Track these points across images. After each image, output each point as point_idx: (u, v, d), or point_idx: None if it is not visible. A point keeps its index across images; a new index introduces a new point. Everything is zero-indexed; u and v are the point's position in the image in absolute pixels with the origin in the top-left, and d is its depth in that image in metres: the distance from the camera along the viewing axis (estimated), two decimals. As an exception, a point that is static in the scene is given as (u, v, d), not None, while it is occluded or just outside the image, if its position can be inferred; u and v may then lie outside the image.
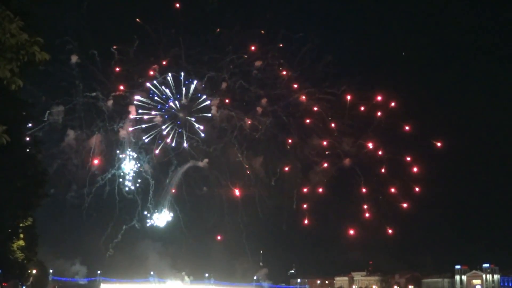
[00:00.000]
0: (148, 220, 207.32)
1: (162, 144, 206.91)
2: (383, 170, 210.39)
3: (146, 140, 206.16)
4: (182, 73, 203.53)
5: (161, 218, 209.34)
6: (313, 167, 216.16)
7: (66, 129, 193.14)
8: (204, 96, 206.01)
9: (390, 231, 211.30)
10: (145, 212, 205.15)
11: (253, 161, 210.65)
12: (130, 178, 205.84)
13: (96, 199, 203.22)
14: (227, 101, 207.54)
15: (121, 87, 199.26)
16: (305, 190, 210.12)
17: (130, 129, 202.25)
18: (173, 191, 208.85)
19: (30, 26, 13.35)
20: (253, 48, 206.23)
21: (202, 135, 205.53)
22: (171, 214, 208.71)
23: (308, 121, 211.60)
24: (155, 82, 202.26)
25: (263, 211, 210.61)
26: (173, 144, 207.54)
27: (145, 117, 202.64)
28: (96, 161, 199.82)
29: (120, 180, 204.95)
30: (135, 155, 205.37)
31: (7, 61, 12.12)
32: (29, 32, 12.49)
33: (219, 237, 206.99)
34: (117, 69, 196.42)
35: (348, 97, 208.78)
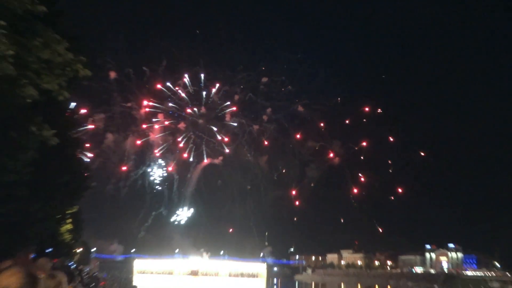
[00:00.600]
0: (172, 218, 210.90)
1: (186, 146, 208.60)
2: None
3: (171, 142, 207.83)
4: (202, 86, 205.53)
5: (182, 214, 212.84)
6: (308, 164, 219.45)
7: (106, 133, 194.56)
8: (228, 103, 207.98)
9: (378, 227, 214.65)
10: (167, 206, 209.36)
11: (259, 159, 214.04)
12: (159, 175, 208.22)
13: (130, 191, 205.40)
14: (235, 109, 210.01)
15: (151, 99, 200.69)
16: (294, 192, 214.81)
17: (158, 136, 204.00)
18: (194, 183, 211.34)
19: (75, 47, 13.24)
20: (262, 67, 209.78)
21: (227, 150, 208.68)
22: (191, 210, 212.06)
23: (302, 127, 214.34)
24: (179, 93, 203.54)
25: (267, 200, 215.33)
26: (192, 145, 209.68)
27: (167, 122, 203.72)
28: (130, 160, 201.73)
29: (151, 176, 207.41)
30: (162, 162, 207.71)
31: (55, 76, 12.03)
32: (74, 52, 12.40)
33: (230, 230, 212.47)
34: (147, 85, 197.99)
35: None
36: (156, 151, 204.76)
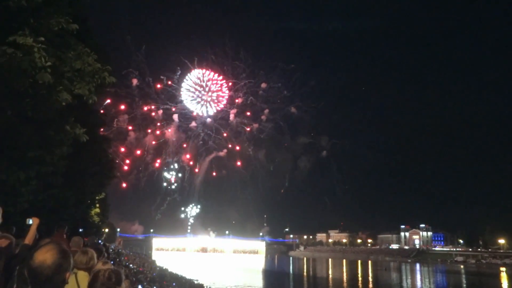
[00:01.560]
0: (182, 215, 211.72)
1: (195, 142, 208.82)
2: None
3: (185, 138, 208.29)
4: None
5: (191, 211, 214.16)
6: (300, 156, 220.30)
7: (128, 132, 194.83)
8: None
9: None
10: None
11: (258, 153, 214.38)
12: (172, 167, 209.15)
13: (149, 180, 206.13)
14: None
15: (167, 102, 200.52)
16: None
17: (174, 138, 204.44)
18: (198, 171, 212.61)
19: (102, 58, 13.28)
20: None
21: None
22: (199, 207, 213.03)
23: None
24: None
25: (264, 187, 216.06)
26: (201, 142, 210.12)
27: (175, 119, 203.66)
28: (150, 155, 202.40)
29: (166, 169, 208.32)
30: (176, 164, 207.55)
31: (86, 83, 12.04)
32: (101, 62, 12.42)
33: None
34: (159, 87, 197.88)
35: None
36: (170, 146, 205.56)
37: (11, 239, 6.75)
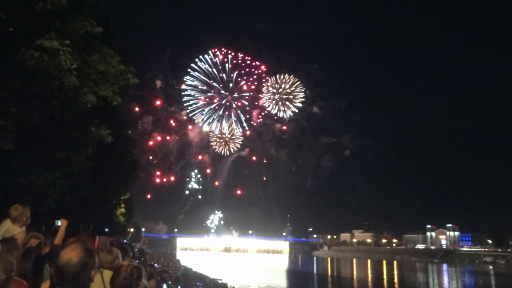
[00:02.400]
0: (205, 222, 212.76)
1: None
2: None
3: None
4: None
5: (215, 219, 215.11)
6: (322, 156, 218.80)
7: (153, 132, 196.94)
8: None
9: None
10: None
11: (281, 153, 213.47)
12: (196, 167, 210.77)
13: (169, 181, 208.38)
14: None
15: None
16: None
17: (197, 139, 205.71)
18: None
19: (126, 60, 13.46)
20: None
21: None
22: (220, 214, 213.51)
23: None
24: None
25: (286, 187, 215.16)
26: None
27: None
28: (173, 156, 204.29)
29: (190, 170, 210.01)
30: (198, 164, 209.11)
31: (110, 85, 12.22)
32: (125, 64, 12.59)
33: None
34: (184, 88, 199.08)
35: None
36: (193, 147, 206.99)
37: (41, 239, 6.93)
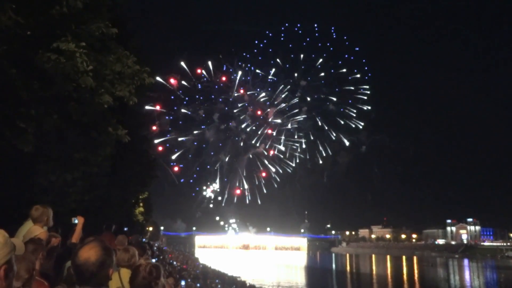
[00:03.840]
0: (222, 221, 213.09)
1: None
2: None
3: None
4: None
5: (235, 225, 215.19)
6: (339, 152, 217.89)
7: (170, 132, 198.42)
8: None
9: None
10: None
11: (295, 151, 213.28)
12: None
13: (189, 179, 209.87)
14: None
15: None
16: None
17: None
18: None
19: (141, 59, 13.56)
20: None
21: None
22: (235, 222, 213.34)
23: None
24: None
25: (303, 184, 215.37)
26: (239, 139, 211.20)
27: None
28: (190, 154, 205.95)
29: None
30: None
31: (126, 85, 12.33)
32: (140, 64, 12.69)
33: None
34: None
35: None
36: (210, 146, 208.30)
37: (60, 238, 7.05)
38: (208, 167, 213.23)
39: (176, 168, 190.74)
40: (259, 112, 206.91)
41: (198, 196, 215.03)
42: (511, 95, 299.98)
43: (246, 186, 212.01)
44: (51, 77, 10.49)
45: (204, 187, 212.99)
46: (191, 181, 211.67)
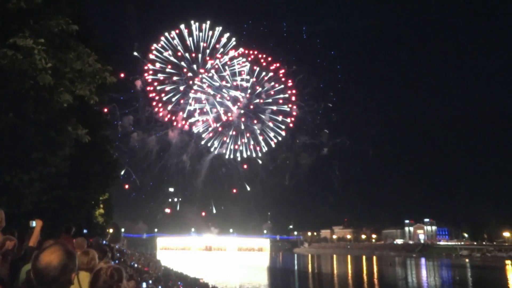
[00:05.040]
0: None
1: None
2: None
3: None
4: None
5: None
6: (300, 154, 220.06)
7: (132, 133, 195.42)
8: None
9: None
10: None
11: (259, 151, 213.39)
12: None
13: (152, 180, 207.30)
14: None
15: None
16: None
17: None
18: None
19: (102, 58, 13.27)
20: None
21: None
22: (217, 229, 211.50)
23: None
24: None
25: (265, 185, 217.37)
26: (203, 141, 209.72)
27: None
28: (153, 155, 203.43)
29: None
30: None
31: (87, 83, 12.07)
32: (102, 62, 12.43)
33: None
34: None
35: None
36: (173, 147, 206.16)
37: (15, 241, 6.79)
38: (169, 165, 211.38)
39: (126, 186, 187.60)
40: (223, 115, 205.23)
41: (159, 198, 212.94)
42: (465, 95, 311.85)
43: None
44: (7, 74, 10.11)
45: (170, 189, 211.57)
46: (151, 183, 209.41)
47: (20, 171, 13.89)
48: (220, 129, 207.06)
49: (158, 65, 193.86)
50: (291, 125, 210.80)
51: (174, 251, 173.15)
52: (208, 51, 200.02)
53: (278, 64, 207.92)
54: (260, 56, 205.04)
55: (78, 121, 14.11)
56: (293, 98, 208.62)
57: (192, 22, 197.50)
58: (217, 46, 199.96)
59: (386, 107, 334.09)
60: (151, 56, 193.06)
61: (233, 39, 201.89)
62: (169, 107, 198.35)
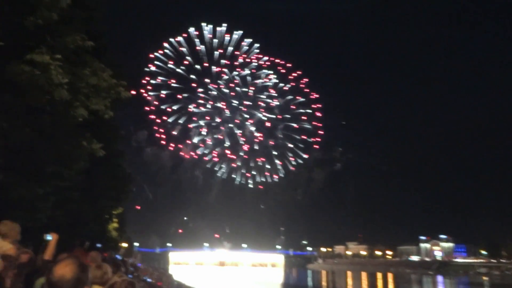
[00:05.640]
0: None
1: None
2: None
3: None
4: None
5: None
6: (314, 169, 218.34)
7: (145, 147, 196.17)
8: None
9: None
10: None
11: (272, 166, 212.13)
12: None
13: (166, 195, 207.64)
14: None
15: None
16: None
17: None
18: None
19: (117, 73, 13.48)
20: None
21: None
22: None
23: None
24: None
25: (278, 200, 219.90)
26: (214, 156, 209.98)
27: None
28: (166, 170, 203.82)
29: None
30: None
31: (101, 98, 12.25)
32: (116, 78, 12.62)
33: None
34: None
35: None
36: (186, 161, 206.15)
37: (30, 254, 6.86)
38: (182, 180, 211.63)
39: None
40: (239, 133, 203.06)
41: (172, 212, 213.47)
42: (483, 111, 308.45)
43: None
44: (24, 89, 10.31)
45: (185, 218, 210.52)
46: (164, 198, 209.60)
47: (35, 184, 14.06)
48: (230, 154, 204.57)
49: (160, 78, 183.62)
50: (316, 146, 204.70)
51: (187, 266, 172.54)
52: (222, 60, 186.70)
53: (300, 72, 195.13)
54: (279, 62, 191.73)
55: (93, 135, 14.28)
56: (318, 114, 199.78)
57: (203, 24, 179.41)
58: (236, 53, 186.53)
59: (399, 122, 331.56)
60: (152, 68, 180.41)
61: (256, 45, 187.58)
62: (175, 128, 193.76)
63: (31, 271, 6.48)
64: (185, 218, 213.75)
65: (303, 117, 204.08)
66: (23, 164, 13.71)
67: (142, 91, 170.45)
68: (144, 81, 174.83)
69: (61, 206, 17.13)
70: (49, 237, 7.50)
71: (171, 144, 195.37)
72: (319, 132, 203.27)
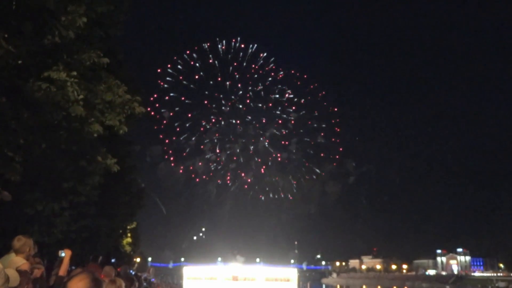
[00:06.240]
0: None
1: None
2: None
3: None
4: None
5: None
6: (327, 182, 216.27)
7: (160, 162, 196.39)
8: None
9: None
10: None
11: (285, 180, 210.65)
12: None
13: (179, 209, 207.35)
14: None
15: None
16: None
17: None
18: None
19: (132, 89, 13.63)
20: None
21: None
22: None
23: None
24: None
25: (291, 214, 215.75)
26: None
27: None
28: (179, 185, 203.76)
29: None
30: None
31: (116, 114, 12.35)
32: (131, 93, 12.74)
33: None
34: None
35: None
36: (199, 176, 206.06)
37: (43, 269, 6.88)
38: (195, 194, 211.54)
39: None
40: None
41: (186, 227, 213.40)
42: (497, 125, 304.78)
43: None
44: (41, 105, 10.47)
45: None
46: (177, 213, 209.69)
47: (51, 200, 14.18)
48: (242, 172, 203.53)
49: (171, 93, 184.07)
50: (334, 164, 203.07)
51: (200, 280, 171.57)
52: (237, 75, 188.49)
53: (316, 85, 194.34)
54: (293, 73, 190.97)
55: (108, 150, 14.39)
56: (337, 129, 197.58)
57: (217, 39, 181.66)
58: (251, 66, 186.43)
59: (414, 135, 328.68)
60: (163, 84, 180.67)
61: (272, 59, 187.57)
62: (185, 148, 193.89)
63: (44, 286, 6.50)
64: (200, 234, 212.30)
65: (319, 132, 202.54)
66: (40, 180, 13.86)
67: (157, 105, 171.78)
68: (154, 97, 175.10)
69: (76, 221, 17.25)
70: (62, 253, 7.55)
71: (181, 167, 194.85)
72: (338, 148, 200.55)
